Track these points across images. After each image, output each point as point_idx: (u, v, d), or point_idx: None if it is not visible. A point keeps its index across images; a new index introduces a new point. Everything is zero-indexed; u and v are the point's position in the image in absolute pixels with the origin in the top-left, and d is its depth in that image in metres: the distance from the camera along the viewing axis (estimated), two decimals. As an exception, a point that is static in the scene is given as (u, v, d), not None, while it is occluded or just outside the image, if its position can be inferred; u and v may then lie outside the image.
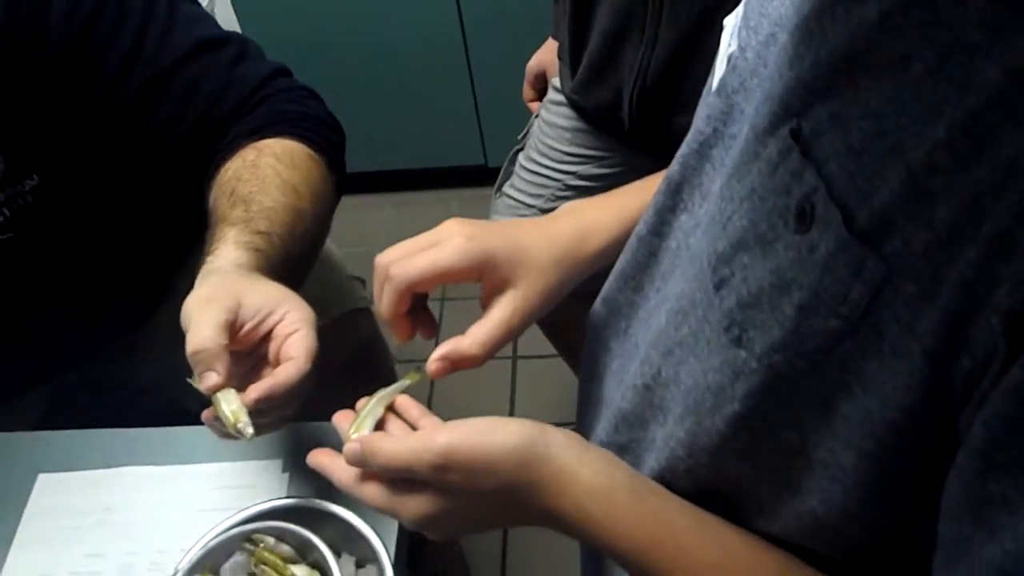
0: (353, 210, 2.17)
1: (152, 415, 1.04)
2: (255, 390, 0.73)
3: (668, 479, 0.60)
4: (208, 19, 1.06)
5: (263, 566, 0.82)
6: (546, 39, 1.56)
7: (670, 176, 0.65)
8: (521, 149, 1.55)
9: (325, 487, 0.84)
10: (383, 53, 2.35)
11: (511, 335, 0.69)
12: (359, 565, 0.84)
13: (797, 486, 0.50)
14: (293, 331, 0.77)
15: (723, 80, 0.59)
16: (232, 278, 0.80)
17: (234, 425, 0.73)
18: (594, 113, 1.34)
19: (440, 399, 2.11)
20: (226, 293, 0.77)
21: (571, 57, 1.32)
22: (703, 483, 0.58)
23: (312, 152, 0.99)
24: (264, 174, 0.92)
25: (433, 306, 0.75)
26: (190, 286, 0.81)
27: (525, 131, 1.56)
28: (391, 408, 0.72)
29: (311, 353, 0.76)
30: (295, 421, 0.84)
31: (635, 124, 1.23)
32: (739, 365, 0.49)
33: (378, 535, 0.82)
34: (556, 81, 1.46)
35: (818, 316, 0.44)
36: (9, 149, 0.94)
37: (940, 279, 0.37)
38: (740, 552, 0.56)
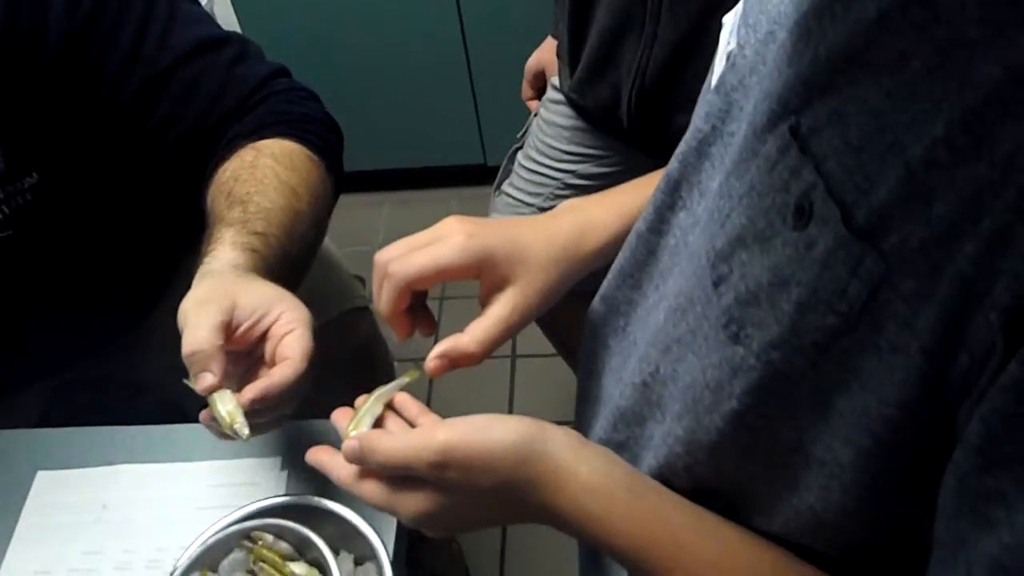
0: (353, 209, 2.17)
1: (151, 413, 1.04)
2: (251, 390, 0.73)
3: (666, 477, 0.60)
4: (208, 19, 1.06)
5: (261, 563, 0.82)
6: (545, 38, 1.56)
7: (669, 174, 0.65)
8: (520, 148, 1.55)
9: (323, 485, 0.84)
10: (383, 52, 2.35)
11: (510, 333, 0.69)
12: (357, 563, 0.84)
13: (795, 483, 0.50)
14: (289, 331, 0.77)
15: (722, 78, 0.59)
16: (228, 279, 0.80)
17: (230, 426, 0.73)
18: (593, 112, 1.34)
19: (439, 398, 2.11)
20: (222, 294, 0.77)
21: (570, 55, 1.32)
22: (701, 481, 0.58)
23: (311, 153, 0.99)
24: (262, 175, 0.92)
25: (432, 305, 0.75)
26: (189, 285, 0.81)
27: (524, 130, 1.56)
28: (390, 406, 0.72)
29: (307, 353, 0.76)
30: (293, 419, 0.84)
31: (634, 123, 1.23)
32: (737, 362, 0.50)
33: (377, 533, 0.82)
34: (555, 80, 1.46)
35: (816, 313, 0.44)
36: (9, 147, 0.94)
37: (938, 276, 0.37)
38: (739, 550, 0.57)
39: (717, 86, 0.60)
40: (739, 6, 0.60)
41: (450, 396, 1.99)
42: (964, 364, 0.37)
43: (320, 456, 0.68)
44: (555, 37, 1.47)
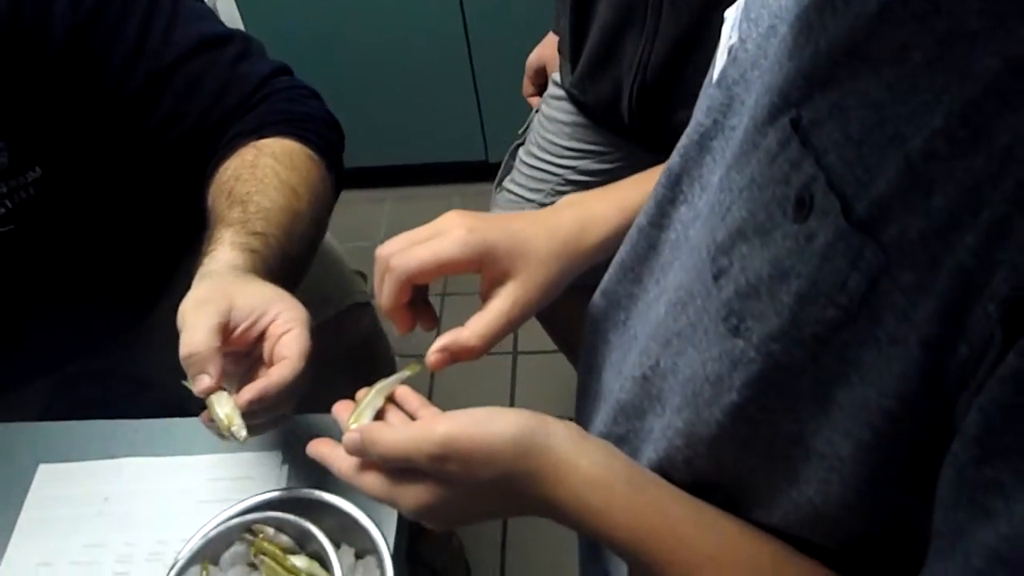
0: (354, 205, 2.18)
1: (153, 409, 1.05)
2: (248, 391, 0.74)
3: (666, 470, 0.60)
4: (211, 15, 1.06)
5: (262, 556, 0.82)
6: (547, 34, 1.56)
7: (670, 168, 0.65)
8: (521, 144, 1.55)
9: (324, 478, 0.84)
10: (385, 49, 2.36)
11: (511, 327, 0.69)
12: (358, 556, 0.84)
13: (795, 476, 0.50)
14: (286, 331, 0.77)
15: (724, 72, 0.59)
16: (226, 280, 0.80)
17: (228, 428, 0.74)
18: (594, 107, 1.34)
19: (440, 394, 2.11)
20: (220, 295, 0.77)
21: (571, 51, 1.32)
22: (701, 474, 0.58)
23: (311, 152, 0.99)
24: (262, 174, 0.92)
25: (434, 301, 0.75)
26: (190, 282, 0.81)
27: (525, 126, 1.56)
28: (391, 399, 0.72)
29: (304, 352, 0.76)
30: (293, 416, 0.84)
31: (635, 119, 1.23)
32: (737, 355, 0.50)
33: (377, 526, 0.82)
34: (556, 76, 1.46)
35: (816, 305, 0.44)
36: (13, 140, 0.94)
37: (937, 267, 0.37)
38: (738, 542, 0.57)
39: (719, 80, 0.60)
40: (741, 0, 0.60)
41: (451, 392, 1.99)
42: (963, 356, 0.37)
43: (321, 448, 0.68)
44: (556, 33, 1.47)
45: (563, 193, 1.43)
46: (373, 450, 0.61)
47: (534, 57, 1.59)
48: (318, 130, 1.02)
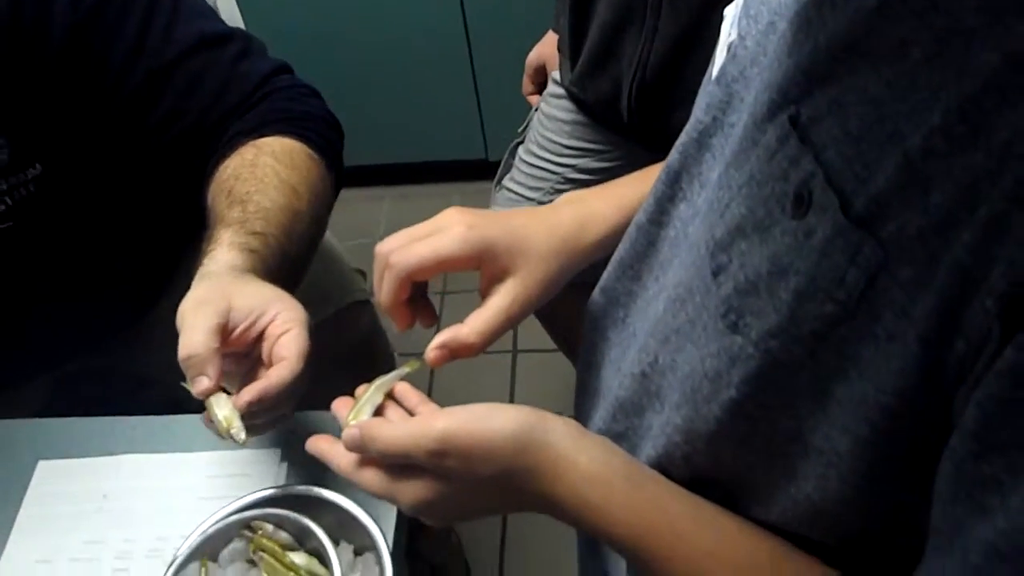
0: (354, 203, 2.18)
1: (152, 406, 1.05)
2: (247, 393, 0.74)
3: (665, 466, 0.61)
4: (211, 13, 1.06)
5: (261, 553, 0.82)
6: (547, 32, 1.56)
7: (669, 165, 0.65)
8: (521, 142, 1.55)
9: (323, 476, 0.85)
10: (385, 47, 2.36)
11: (510, 323, 0.69)
12: (357, 553, 0.84)
13: (793, 472, 0.50)
14: (285, 331, 0.77)
15: (723, 69, 0.60)
16: (224, 281, 0.80)
17: (227, 431, 0.74)
18: (594, 106, 1.34)
19: (439, 392, 2.11)
20: (218, 296, 0.77)
21: (571, 49, 1.32)
22: (700, 470, 0.58)
23: (311, 151, 0.99)
24: (262, 173, 0.92)
25: (433, 299, 0.75)
26: (191, 278, 0.81)
27: (525, 124, 1.56)
28: (390, 395, 0.72)
29: (303, 353, 0.76)
30: (294, 413, 0.84)
31: (634, 117, 1.23)
32: (736, 351, 0.50)
33: (376, 523, 0.83)
34: (556, 74, 1.46)
35: (814, 301, 0.44)
36: (13, 137, 0.94)
37: (935, 263, 0.38)
38: (736, 539, 0.57)
39: (718, 77, 0.60)
40: (740, -3, 0.60)
41: (451, 390, 1.99)
42: (960, 351, 0.37)
43: (320, 445, 0.68)
44: (556, 31, 1.47)
45: (562, 191, 1.42)
46: (372, 446, 0.61)
47: (534, 56, 1.59)
48: (318, 129, 1.02)
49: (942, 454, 0.40)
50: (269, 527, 0.83)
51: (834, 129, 0.43)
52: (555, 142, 1.44)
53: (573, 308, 0.89)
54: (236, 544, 0.83)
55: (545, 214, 0.74)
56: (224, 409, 0.74)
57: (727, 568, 0.56)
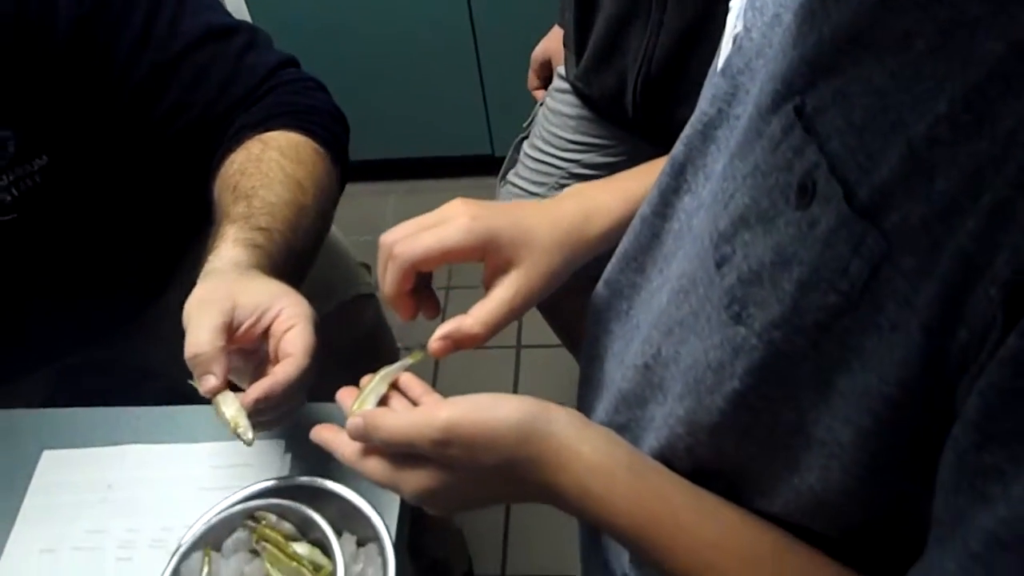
0: (359, 197, 2.17)
1: (156, 399, 1.05)
2: (254, 390, 0.74)
3: (667, 458, 0.61)
4: (218, 6, 1.06)
5: (264, 543, 0.82)
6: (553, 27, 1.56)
7: (674, 157, 0.65)
8: (526, 137, 1.55)
9: (327, 466, 0.85)
10: (391, 42, 2.35)
11: (513, 315, 0.69)
12: (360, 543, 0.85)
13: (796, 464, 0.50)
14: (290, 327, 0.77)
15: (728, 60, 0.60)
16: (229, 278, 0.80)
17: (234, 430, 0.74)
18: (598, 100, 1.34)
19: (443, 387, 2.08)
20: (223, 294, 0.77)
21: (576, 44, 1.32)
22: (702, 462, 0.58)
23: (317, 146, 0.99)
24: (268, 168, 0.93)
25: (438, 295, 0.75)
26: (195, 272, 0.82)
27: (529, 119, 1.56)
28: (395, 386, 0.72)
29: (309, 349, 0.76)
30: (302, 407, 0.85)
31: (639, 112, 1.23)
32: (739, 342, 0.50)
33: (379, 514, 0.83)
34: (561, 69, 1.46)
35: (817, 292, 0.44)
36: (19, 128, 0.94)
37: (939, 252, 0.38)
38: (739, 530, 0.57)
39: (723, 69, 0.60)
40: (746, -10, 0.60)
41: (455, 385, 1.98)
42: (963, 340, 0.37)
43: (324, 434, 0.68)
44: (561, 26, 1.46)
45: (567, 187, 1.42)
46: (376, 435, 0.61)
47: (539, 50, 1.59)
48: (324, 123, 1.02)
49: (944, 444, 0.40)
50: (272, 517, 0.83)
51: (838, 119, 0.43)
52: (560, 137, 1.44)
53: (576, 302, 0.89)
54: (239, 534, 0.84)
55: (550, 206, 0.74)
56: (231, 408, 0.74)
57: (729, 559, 0.56)
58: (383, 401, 0.70)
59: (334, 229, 1.25)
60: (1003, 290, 0.35)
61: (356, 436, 0.63)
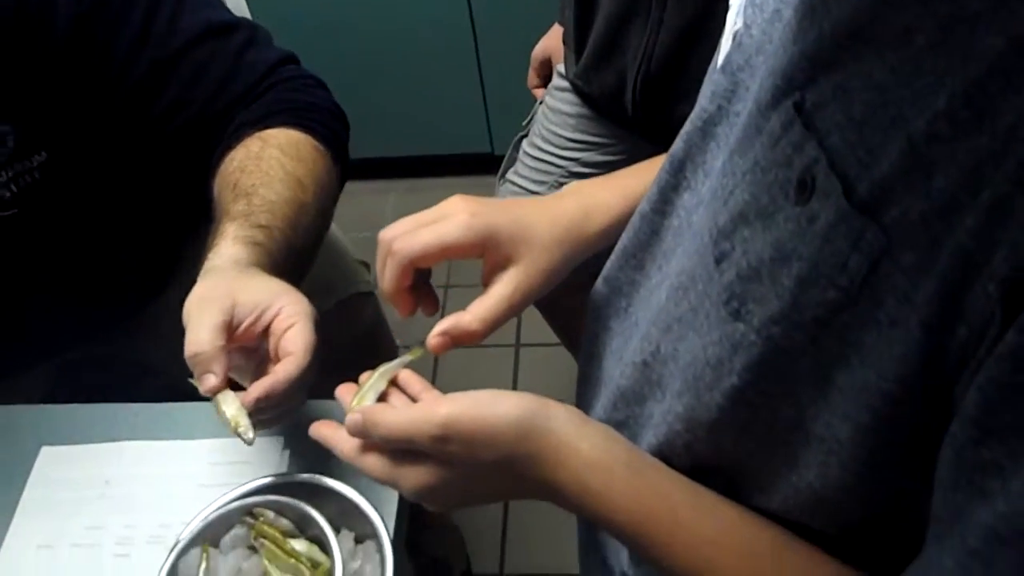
0: (359, 195, 2.18)
1: (155, 395, 1.05)
2: (255, 390, 0.74)
3: (666, 455, 0.61)
4: (217, 3, 1.06)
5: (262, 539, 0.82)
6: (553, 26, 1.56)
7: (673, 154, 0.65)
8: (525, 136, 1.55)
9: (325, 463, 0.85)
10: (391, 40, 2.35)
11: (512, 311, 0.69)
12: (358, 540, 0.84)
13: (794, 460, 0.50)
14: (290, 325, 0.77)
15: (728, 57, 0.60)
16: (229, 276, 0.80)
17: (234, 429, 0.74)
18: (598, 99, 1.34)
19: (442, 386, 2.09)
20: (222, 292, 0.77)
21: (576, 42, 1.32)
22: (701, 458, 0.58)
23: (316, 143, 0.99)
24: (268, 166, 0.92)
25: (437, 293, 0.75)
26: (195, 272, 0.81)
27: (529, 117, 1.56)
28: (394, 382, 0.72)
29: (309, 347, 0.76)
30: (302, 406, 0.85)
31: (638, 110, 1.23)
32: (738, 338, 0.50)
33: (377, 512, 0.83)
34: (561, 67, 1.45)
35: (816, 287, 0.44)
36: (19, 124, 0.94)
37: (938, 248, 0.38)
38: (737, 527, 0.57)
39: (723, 66, 0.60)
40: (746, -14, 0.60)
41: (453, 385, 1.98)
42: (962, 336, 0.37)
43: (323, 430, 0.68)
44: (561, 24, 1.46)
45: (566, 185, 1.42)
46: (375, 431, 0.61)
47: (539, 49, 1.58)
48: (324, 120, 1.02)
49: (943, 441, 0.40)
50: (270, 514, 0.83)
51: (838, 115, 0.43)
52: (559, 135, 1.44)
53: (575, 299, 0.89)
54: (237, 531, 0.83)
55: (549, 203, 0.74)
56: (231, 408, 0.74)
57: (728, 556, 0.56)
58: (382, 398, 0.70)
59: (334, 227, 1.25)
60: (1001, 286, 0.35)
61: (355, 432, 0.63)
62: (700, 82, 0.65)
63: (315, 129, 0.99)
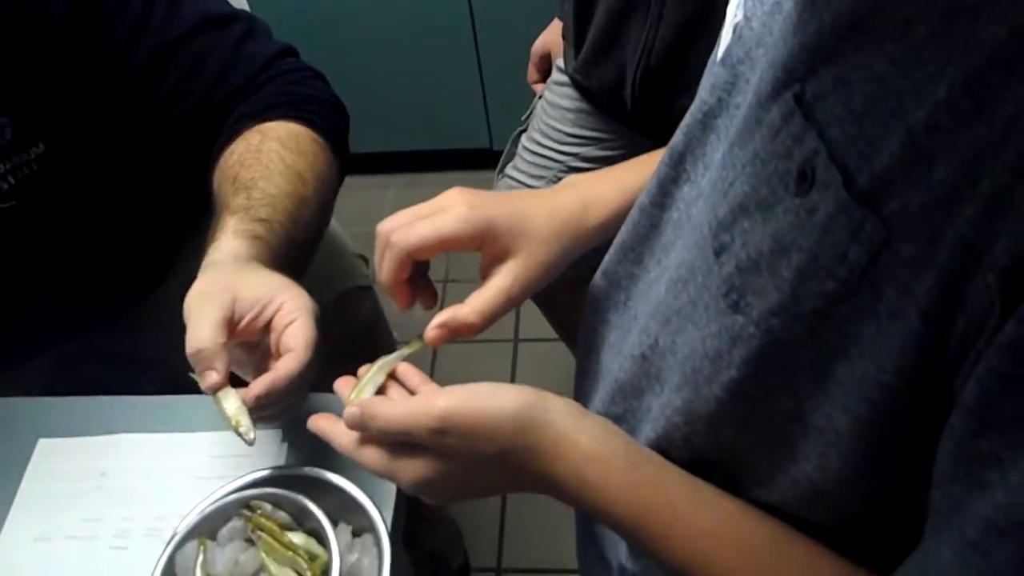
0: (358, 190, 2.17)
1: (154, 387, 1.05)
2: (256, 386, 0.74)
3: (664, 448, 0.61)
4: None
5: (260, 532, 0.82)
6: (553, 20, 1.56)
7: (673, 147, 0.65)
8: (524, 130, 1.55)
9: (323, 457, 0.85)
10: (390, 34, 2.35)
11: (510, 304, 0.69)
12: (355, 534, 0.84)
13: (793, 453, 0.50)
14: (291, 320, 0.76)
15: (728, 50, 0.59)
16: (229, 271, 0.80)
17: (235, 428, 0.74)
18: (597, 93, 1.34)
19: (440, 381, 2.09)
20: (223, 288, 0.77)
21: (575, 36, 1.31)
22: (700, 452, 0.58)
23: (316, 136, 0.99)
24: (267, 160, 0.92)
25: (436, 287, 0.75)
26: (195, 262, 0.81)
27: (528, 112, 1.56)
28: (392, 375, 0.72)
29: (310, 342, 0.76)
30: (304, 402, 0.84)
31: (637, 105, 1.23)
32: (737, 331, 0.50)
33: (375, 505, 0.83)
34: (560, 62, 1.45)
35: (816, 279, 0.44)
36: (16, 116, 0.94)
37: (938, 239, 0.37)
38: (735, 520, 0.57)
39: (723, 58, 0.60)
40: (746, -21, 0.60)
41: (452, 379, 1.98)
42: (962, 328, 0.37)
43: (321, 423, 0.68)
44: (561, 19, 1.46)
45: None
46: (373, 424, 0.61)
47: (539, 43, 1.58)
48: (323, 112, 1.02)
49: (942, 433, 0.40)
50: (268, 507, 0.83)
51: (838, 107, 0.43)
52: (558, 130, 1.44)
53: (573, 293, 0.89)
54: (235, 523, 0.83)
55: (548, 196, 0.73)
56: (232, 406, 0.74)
57: (726, 549, 0.56)
58: (381, 391, 0.70)
59: (333, 221, 1.25)
60: (1001, 277, 0.35)
61: (353, 425, 0.63)
62: (699, 78, 0.65)
63: (315, 122, 0.99)
